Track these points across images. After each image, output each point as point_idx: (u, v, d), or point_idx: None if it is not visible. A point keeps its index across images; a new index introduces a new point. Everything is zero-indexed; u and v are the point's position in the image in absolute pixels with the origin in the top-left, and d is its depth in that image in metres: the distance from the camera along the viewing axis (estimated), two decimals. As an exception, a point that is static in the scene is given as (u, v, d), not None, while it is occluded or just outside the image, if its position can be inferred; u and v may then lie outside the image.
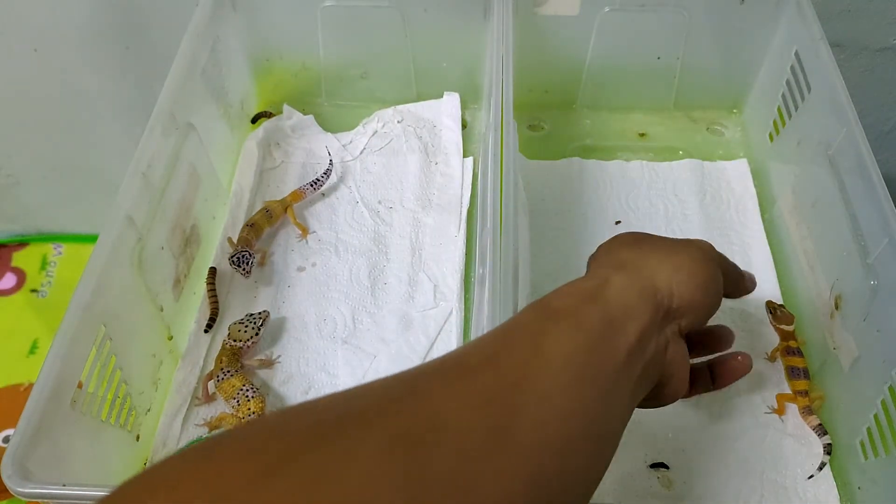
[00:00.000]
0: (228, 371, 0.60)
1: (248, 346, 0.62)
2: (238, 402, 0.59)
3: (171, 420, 0.60)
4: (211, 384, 0.62)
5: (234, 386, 0.60)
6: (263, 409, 0.59)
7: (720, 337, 0.53)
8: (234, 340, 0.62)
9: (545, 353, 0.36)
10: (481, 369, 0.34)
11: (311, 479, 0.26)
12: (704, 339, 0.53)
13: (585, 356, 0.37)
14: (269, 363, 0.63)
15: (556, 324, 0.38)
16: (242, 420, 0.58)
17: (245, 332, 0.62)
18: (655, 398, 0.44)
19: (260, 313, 0.64)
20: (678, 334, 0.44)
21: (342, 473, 0.27)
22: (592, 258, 0.49)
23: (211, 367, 0.63)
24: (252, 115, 0.82)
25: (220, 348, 0.63)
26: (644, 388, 0.41)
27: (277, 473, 0.26)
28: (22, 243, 1.20)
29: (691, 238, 0.48)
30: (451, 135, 0.80)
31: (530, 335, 0.37)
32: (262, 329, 0.63)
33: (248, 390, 0.59)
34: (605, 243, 0.50)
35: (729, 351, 0.53)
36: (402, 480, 0.27)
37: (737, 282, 0.52)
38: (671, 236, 0.71)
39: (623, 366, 0.38)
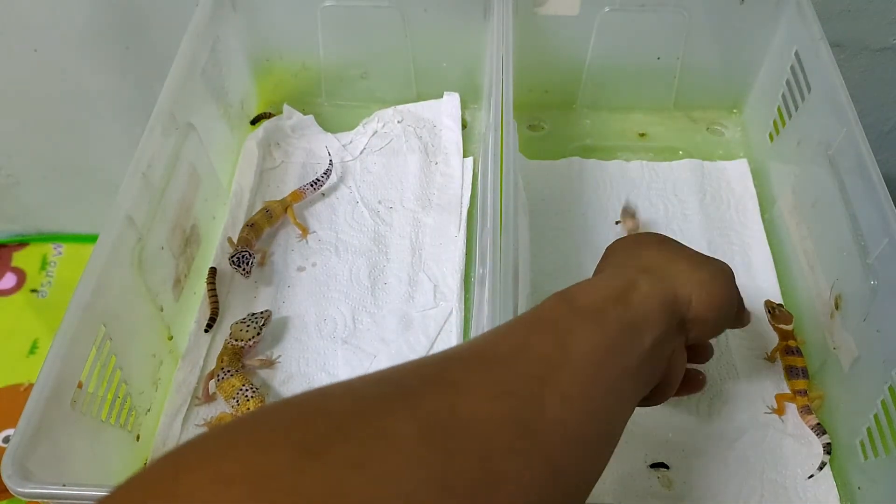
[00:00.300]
0: (229, 371, 0.60)
1: (250, 346, 0.62)
2: (237, 401, 0.59)
3: (171, 420, 0.60)
4: (212, 383, 0.62)
5: (233, 386, 0.60)
6: None
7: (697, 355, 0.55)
8: (236, 340, 0.62)
9: (569, 349, 0.36)
10: (508, 361, 0.35)
11: (349, 463, 0.26)
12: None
13: (605, 356, 0.37)
14: (269, 363, 0.63)
15: (582, 321, 0.38)
16: None
17: (247, 331, 0.62)
18: (646, 399, 0.45)
19: (262, 313, 0.64)
20: (683, 344, 0.45)
21: (378, 459, 0.27)
22: (611, 251, 0.49)
23: (211, 366, 0.63)
24: (252, 116, 0.82)
25: (221, 348, 0.63)
26: (646, 390, 0.42)
27: (317, 456, 0.26)
28: (22, 243, 1.20)
29: (714, 258, 0.49)
30: (451, 135, 0.80)
31: (556, 330, 0.38)
32: (263, 328, 0.63)
33: (247, 390, 0.59)
34: (626, 239, 0.50)
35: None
36: (433, 469, 0.28)
37: (739, 313, 0.53)
38: (671, 237, 0.71)
39: (635, 369, 0.39)
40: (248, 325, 0.63)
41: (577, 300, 0.40)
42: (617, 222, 0.73)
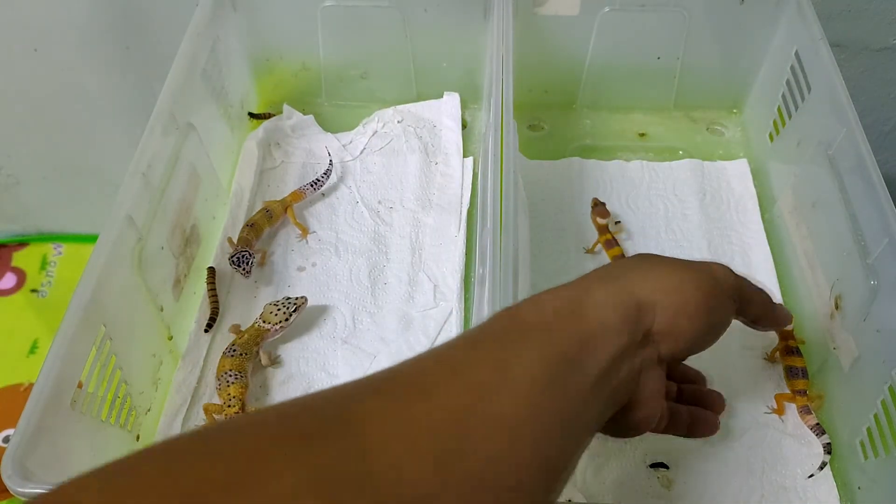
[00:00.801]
0: (235, 350, 0.60)
1: (277, 330, 0.62)
2: (220, 385, 0.59)
3: (171, 420, 0.60)
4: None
5: (223, 367, 0.59)
6: (243, 395, 0.58)
7: (710, 399, 0.50)
8: (264, 321, 0.62)
9: (509, 373, 0.32)
10: (433, 390, 0.31)
11: None
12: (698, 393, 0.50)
13: (552, 378, 0.34)
14: (276, 362, 0.63)
15: (526, 339, 0.35)
16: (224, 405, 0.58)
17: (276, 315, 0.62)
18: (619, 426, 0.41)
19: (297, 298, 0.64)
20: (655, 361, 0.40)
21: None
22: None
23: (211, 367, 0.63)
24: (251, 112, 0.82)
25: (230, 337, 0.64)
26: (607, 413, 0.38)
27: None
28: (22, 243, 1.20)
29: (707, 260, 0.44)
30: (451, 135, 0.80)
31: (496, 351, 0.34)
32: (294, 315, 0.62)
33: (230, 375, 0.59)
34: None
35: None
36: None
37: (764, 310, 0.48)
38: (671, 236, 0.70)
39: (590, 390, 0.35)
40: (280, 309, 0.62)
41: (524, 315, 0.37)
42: (616, 222, 0.73)
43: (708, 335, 0.43)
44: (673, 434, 0.48)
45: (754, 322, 0.49)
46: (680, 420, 0.47)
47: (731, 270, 0.44)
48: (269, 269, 0.70)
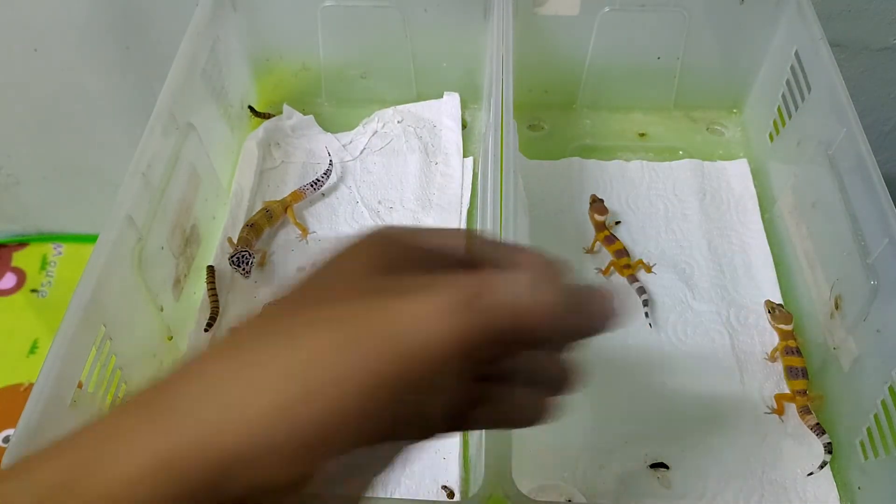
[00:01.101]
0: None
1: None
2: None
3: (171, 420, 0.60)
4: None
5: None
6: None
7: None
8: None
9: None
10: None
11: None
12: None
13: None
14: None
15: None
16: None
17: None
18: None
19: None
20: None
21: None
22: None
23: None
24: (251, 106, 0.82)
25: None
26: None
27: None
28: (22, 243, 1.20)
29: (420, 289, 0.23)
30: (451, 135, 0.80)
31: None
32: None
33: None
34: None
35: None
36: None
37: (569, 325, 0.25)
38: (671, 236, 0.69)
39: None
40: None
41: None
42: (617, 222, 0.73)
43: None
44: (511, 425, 0.28)
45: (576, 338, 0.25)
46: (503, 406, 0.26)
47: (470, 303, 0.22)
48: (269, 269, 0.70)
